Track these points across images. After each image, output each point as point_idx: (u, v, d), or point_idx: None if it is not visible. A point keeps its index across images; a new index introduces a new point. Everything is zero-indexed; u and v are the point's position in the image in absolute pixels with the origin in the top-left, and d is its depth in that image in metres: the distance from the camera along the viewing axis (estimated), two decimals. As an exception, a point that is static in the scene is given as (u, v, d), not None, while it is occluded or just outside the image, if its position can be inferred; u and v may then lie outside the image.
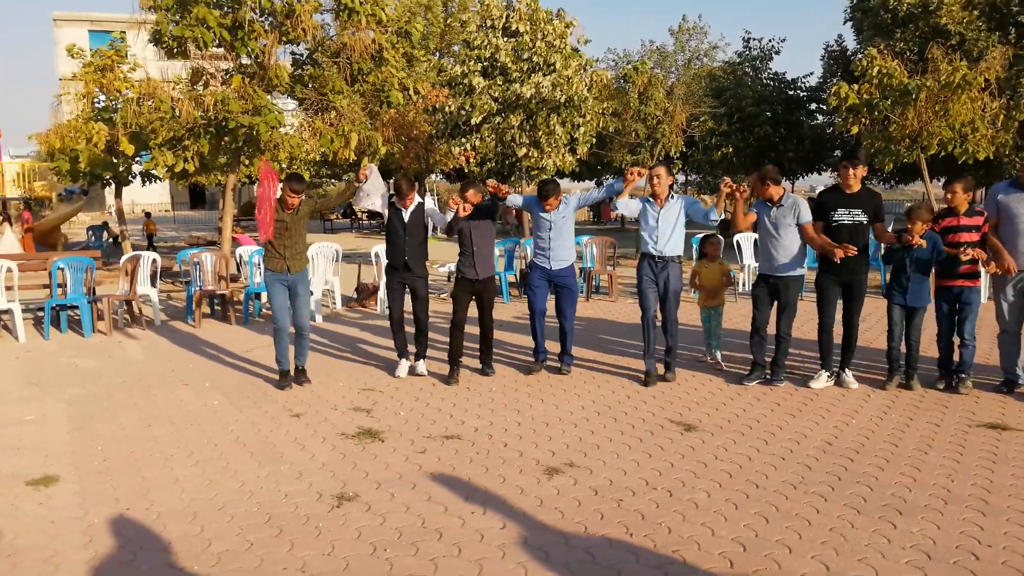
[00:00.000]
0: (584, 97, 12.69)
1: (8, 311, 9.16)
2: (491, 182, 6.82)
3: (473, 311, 6.90)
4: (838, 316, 6.40)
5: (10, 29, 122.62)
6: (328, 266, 10.89)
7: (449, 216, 6.91)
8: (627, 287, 13.04)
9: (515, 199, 6.96)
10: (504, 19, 12.68)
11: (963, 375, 6.15)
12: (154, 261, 10.39)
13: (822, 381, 6.40)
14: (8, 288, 9.24)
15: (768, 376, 6.55)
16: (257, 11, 12.15)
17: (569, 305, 6.96)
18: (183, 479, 4.57)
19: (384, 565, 3.49)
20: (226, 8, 12.05)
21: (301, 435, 5.39)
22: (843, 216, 6.15)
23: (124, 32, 17.23)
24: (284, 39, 12.72)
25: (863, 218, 6.12)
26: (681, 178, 41.39)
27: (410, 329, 7.05)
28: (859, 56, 19.30)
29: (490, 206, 6.89)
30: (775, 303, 6.48)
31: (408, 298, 6.97)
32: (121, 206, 18.35)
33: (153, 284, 10.36)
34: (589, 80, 12.93)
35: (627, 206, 6.78)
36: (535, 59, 12.45)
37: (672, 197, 6.61)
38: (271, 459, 4.91)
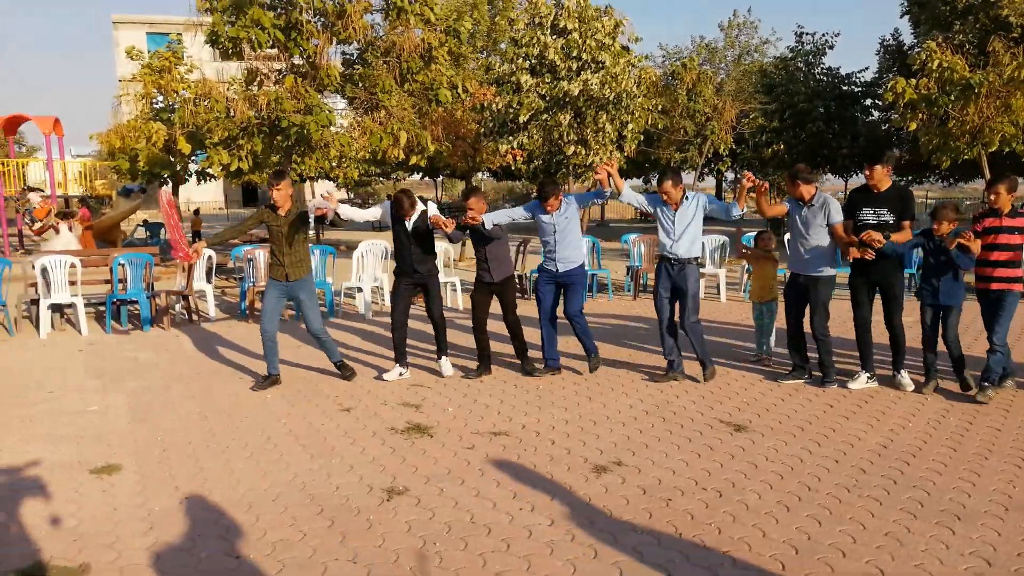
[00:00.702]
0: (633, 94, 12.61)
1: (72, 305, 9.48)
2: (470, 202, 6.81)
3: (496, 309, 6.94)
4: (878, 317, 6.22)
5: (72, 32, 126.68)
6: (378, 264, 11.03)
7: (459, 233, 6.91)
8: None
9: (489, 219, 6.72)
10: (552, 17, 12.67)
11: (985, 383, 5.87)
12: (209, 258, 10.65)
13: (861, 382, 6.28)
14: (72, 283, 9.56)
15: (821, 379, 6.42)
16: (310, 12, 12.36)
17: (575, 303, 6.77)
18: (238, 470, 4.69)
19: (434, 559, 3.53)
20: (280, 10, 12.29)
21: (351, 429, 5.47)
22: (868, 215, 6.04)
23: (180, 34, 17.66)
24: (335, 39, 12.94)
25: (889, 217, 5.98)
26: (730, 176, 40.87)
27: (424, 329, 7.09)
28: (917, 50, 18.79)
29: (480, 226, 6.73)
30: (806, 303, 6.39)
31: (406, 303, 6.90)
32: (178, 204, 18.82)
33: (208, 280, 10.63)
34: (637, 77, 12.85)
35: (634, 198, 6.72)
36: (584, 56, 12.41)
37: (687, 198, 6.49)
38: (322, 452, 5.00)
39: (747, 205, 6.51)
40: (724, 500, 4.12)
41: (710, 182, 39.96)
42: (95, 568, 3.48)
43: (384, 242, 11.27)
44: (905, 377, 6.23)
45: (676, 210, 6.47)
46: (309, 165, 15.02)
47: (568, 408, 5.92)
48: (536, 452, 4.94)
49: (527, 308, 10.46)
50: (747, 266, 7.15)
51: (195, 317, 10.28)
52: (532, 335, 7.40)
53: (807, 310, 6.44)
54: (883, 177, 6.05)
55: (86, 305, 9.67)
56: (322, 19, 12.78)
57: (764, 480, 4.39)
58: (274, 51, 13.09)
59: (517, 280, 12.32)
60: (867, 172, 6.12)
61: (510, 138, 13.52)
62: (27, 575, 3.42)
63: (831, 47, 29.40)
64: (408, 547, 3.65)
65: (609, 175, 6.34)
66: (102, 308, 10.25)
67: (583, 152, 12.64)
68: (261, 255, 10.76)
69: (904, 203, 6.04)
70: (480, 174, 29.59)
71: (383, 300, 11.31)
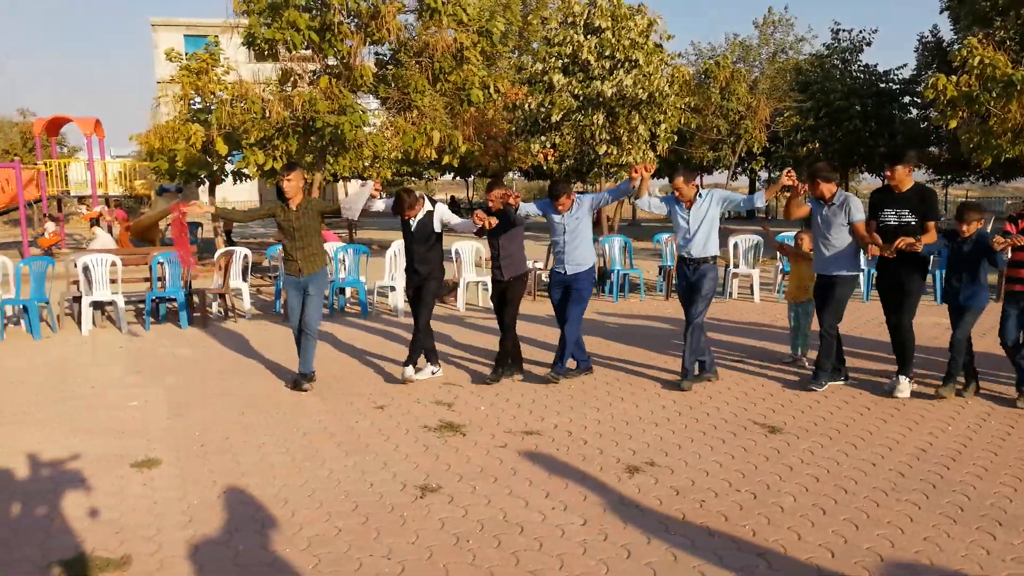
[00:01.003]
0: (666, 93, 12.54)
1: (112, 303, 9.68)
2: (495, 193, 6.58)
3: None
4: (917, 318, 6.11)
5: (111, 35, 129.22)
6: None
7: (474, 229, 6.65)
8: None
9: (529, 207, 6.73)
10: (585, 15, 12.64)
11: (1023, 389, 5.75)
12: (245, 256, 10.81)
13: (907, 390, 6.09)
14: (112, 281, 9.77)
15: (810, 379, 6.35)
16: (344, 13, 12.48)
17: (574, 307, 6.57)
18: (275, 465, 4.76)
19: (467, 556, 3.56)
20: (315, 11, 12.42)
21: (385, 427, 5.52)
22: (889, 216, 5.92)
23: (217, 36, 17.92)
24: (369, 40, 13.05)
25: (911, 219, 5.83)
26: (764, 175, 40.44)
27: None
28: (957, 47, 18.43)
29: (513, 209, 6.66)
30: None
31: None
32: (213, 202, 19.12)
33: (244, 278, 10.79)
34: (670, 76, 12.78)
35: (649, 204, 6.61)
36: (617, 55, 12.37)
37: (700, 195, 6.40)
38: (357, 449, 5.05)
39: (771, 201, 6.42)
40: (759, 502, 4.09)
41: (743, 181, 39.58)
42: (136, 559, 3.55)
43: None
44: (904, 383, 6.01)
45: (689, 208, 6.37)
46: (343, 165, 15.16)
47: (600, 408, 5.91)
48: (568, 452, 4.95)
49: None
50: (781, 266, 7.09)
51: (231, 315, 10.44)
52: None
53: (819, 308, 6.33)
54: (904, 177, 5.90)
55: (126, 303, 9.87)
56: (356, 20, 12.89)
57: (800, 483, 4.35)
58: (308, 52, 13.24)
59: (548, 280, 12.35)
60: (888, 172, 5.97)
61: (542, 137, 13.53)
62: (70, 566, 3.51)
63: (868, 44, 29.00)
64: (442, 544, 3.68)
65: (641, 177, 6.25)
66: (142, 305, 10.45)
67: (615, 151, 12.60)
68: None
69: (926, 204, 5.89)
70: (511, 173, 29.63)
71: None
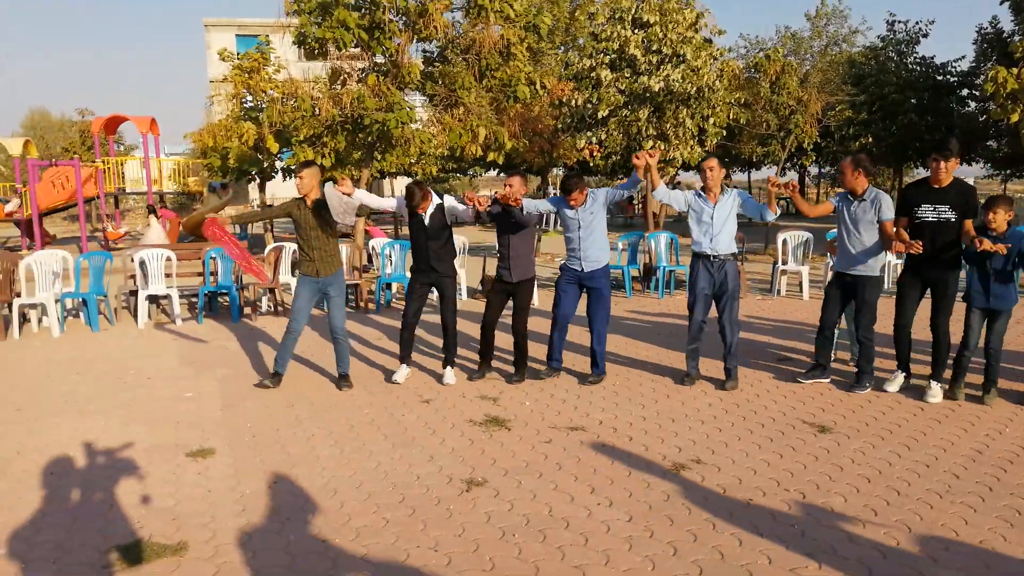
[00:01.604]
0: (715, 88, 12.37)
1: (167, 296, 9.95)
2: (501, 193, 6.33)
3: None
4: (923, 319, 5.96)
5: (166, 36, 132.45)
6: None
7: (471, 210, 6.51)
8: (755, 283, 12.66)
9: (538, 204, 6.57)
10: (633, 10, 12.53)
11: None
12: (294, 252, 10.99)
13: (898, 383, 6.04)
14: (167, 275, 10.04)
15: (853, 383, 6.17)
16: (392, 11, 12.58)
17: (600, 309, 6.49)
18: (323, 457, 4.85)
19: (513, 549, 3.58)
20: (364, 10, 12.55)
21: (431, 420, 5.58)
22: (927, 212, 5.71)
23: (268, 36, 18.25)
24: (417, 37, 13.12)
25: (951, 215, 5.62)
26: (814, 170, 39.66)
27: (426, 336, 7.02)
28: (1018, 38, 17.82)
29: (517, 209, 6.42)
30: (848, 303, 6.17)
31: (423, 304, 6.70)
32: (265, 200, 19.49)
33: (293, 274, 10.97)
34: (719, 70, 12.60)
35: (669, 196, 6.41)
36: (665, 50, 12.24)
37: (726, 191, 6.28)
38: (403, 442, 5.12)
39: (778, 209, 6.23)
40: (808, 502, 4.03)
41: (792, 176, 38.85)
42: (192, 546, 3.66)
43: (462, 237, 11.41)
44: (936, 388, 5.84)
45: (715, 204, 6.24)
46: (390, 161, 15.31)
47: (645, 405, 5.88)
48: (613, 448, 4.94)
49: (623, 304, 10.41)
50: (831, 263, 7.00)
51: (281, 309, 10.63)
52: (625, 340, 7.35)
53: (845, 310, 6.23)
54: (948, 172, 5.68)
55: (180, 296, 10.13)
56: (404, 18, 12.97)
57: (850, 483, 4.27)
58: (357, 50, 13.37)
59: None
60: (937, 165, 5.66)
61: (588, 133, 13.46)
62: (129, 551, 3.63)
63: (925, 36, 28.16)
64: (488, 537, 3.71)
65: (647, 167, 6.12)
66: (195, 299, 10.72)
67: (663, 147, 12.47)
68: (344, 249, 11.04)
69: (967, 200, 5.67)
70: (556, 169, 29.57)
71: (460, 295, 11.43)
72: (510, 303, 6.72)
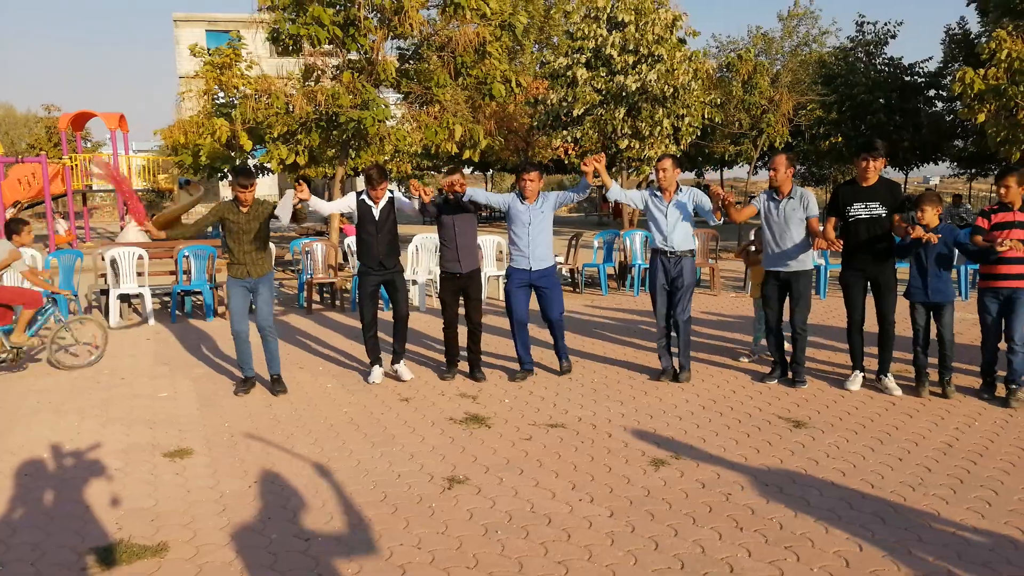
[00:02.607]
0: (691, 88, 12.48)
1: (139, 295, 9.82)
2: (449, 179, 6.37)
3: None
4: (871, 314, 6.10)
5: (133, 31, 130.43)
6: (431, 257, 11.15)
7: (416, 204, 6.54)
8: (728, 280, 12.80)
9: (477, 194, 6.48)
10: (609, 9, 12.61)
11: (1014, 386, 5.68)
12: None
13: (857, 382, 6.17)
14: (139, 274, 9.91)
15: (792, 379, 6.33)
16: (368, 8, 12.52)
17: (555, 308, 6.55)
18: (303, 456, 4.83)
19: (496, 546, 3.60)
20: (338, 6, 12.47)
21: (411, 419, 5.58)
22: (859, 210, 5.93)
23: (239, 31, 18.07)
24: (392, 34, 13.07)
25: (881, 211, 5.87)
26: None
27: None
28: (985, 39, 18.18)
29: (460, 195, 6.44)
30: (786, 299, 6.33)
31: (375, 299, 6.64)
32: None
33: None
34: (693, 70, 12.72)
35: (624, 195, 6.57)
36: (641, 50, 12.33)
37: (680, 191, 6.44)
38: (383, 440, 5.11)
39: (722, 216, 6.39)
40: (785, 495, 4.10)
41: (764, 176, 39.30)
42: (173, 547, 3.63)
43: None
44: (892, 380, 6.04)
45: (669, 202, 6.37)
46: (364, 159, 15.23)
47: (624, 402, 5.93)
48: (593, 444, 4.98)
49: (570, 302, 10.50)
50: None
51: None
52: (605, 339, 7.43)
53: (783, 306, 6.41)
54: (876, 171, 5.94)
55: (152, 295, 10.00)
56: (379, 15, 12.91)
57: (826, 476, 4.35)
58: (331, 47, 13.29)
59: (569, 275, 12.38)
60: (866, 163, 5.88)
61: (563, 132, 13.52)
62: (107, 552, 3.58)
63: (893, 36, 28.61)
64: (471, 534, 3.72)
65: (596, 171, 6.21)
66: (167, 298, 10.59)
67: (637, 145, 12.57)
68: (320, 248, 10.98)
69: (895, 196, 5.93)
70: (531, 168, 29.59)
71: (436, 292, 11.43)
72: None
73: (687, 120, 12.75)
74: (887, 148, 6.02)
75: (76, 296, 9.78)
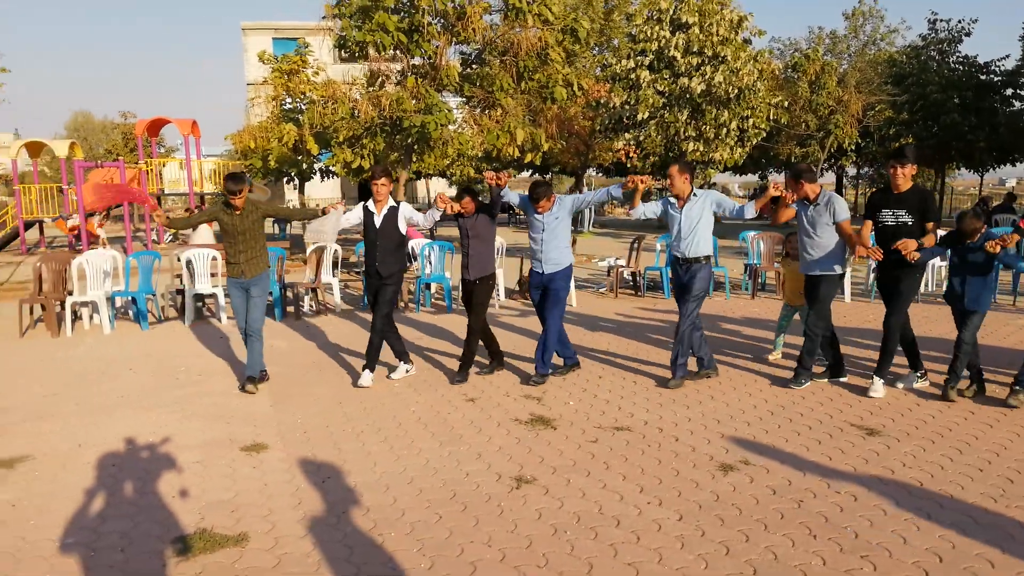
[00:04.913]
0: (756, 89, 12.29)
1: (213, 295, 10.15)
2: (488, 173, 6.57)
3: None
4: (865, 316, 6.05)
5: (204, 40, 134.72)
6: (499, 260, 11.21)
7: (437, 215, 6.73)
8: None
9: (512, 195, 6.77)
10: (672, 11, 12.50)
11: (1016, 388, 5.64)
12: (335, 252, 11.15)
13: (912, 381, 6.20)
14: (213, 274, 10.24)
15: (791, 379, 6.39)
16: (432, 14, 12.70)
17: (553, 308, 6.59)
18: (374, 453, 4.94)
19: (565, 546, 3.62)
20: (403, 13, 12.69)
21: (477, 419, 5.64)
22: (887, 217, 5.90)
23: (305, 39, 18.50)
24: (455, 40, 13.25)
25: (908, 219, 5.79)
26: (852, 171, 39.09)
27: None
28: (1067, 35, 17.40)
29: (490, 205, 6.67)
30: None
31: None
32: (303, 200, 19.75)
33: (333, 273, 11.13)
34: (759, 71, 12.53)
35: (646, 210, 6.63)
36: (706, 52, 12.19)
37: (695, 195, 6.39)
38: (451, 440, 5.19)
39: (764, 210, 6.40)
40: (860, 504, 4.02)
41: (829, 178, 38.38)
42: (252, 537, 3.76)
43: (499, 239, 11.46)
44: (879, 384, 6.01)
45: (682, 208, 6.36)
46: (427, 163, 15.47)
47: (690, 406, 5.89)
48: (660, 448, 4.96)
49: (630, 305, 10.44)
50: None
51: (322, 308, 10.79)
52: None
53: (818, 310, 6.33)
54: (906, 178, 5.85)
55: (225, 295, 10.32)
56: (442, 21, 13.11)
57: (902, 486, 4.25)
58: (395, 53, 13.53)
59: (631, 278, 12.31)
60: (894, 171, 5.84)
61: (626, 135, 13.46)
62: (192, 541, 3.73)
63: (968, 34, 27.66)
64: (540, 534, 3.75)
65: (636, 187, 6.34)
66: (239, 298, 10.91)
67: (702, 148, 12.42)
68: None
69: (925, 204, 5.83)
70: (591, 170, 29.54)
71: (498, 296, 11.49)
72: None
73: (751, 121, 12.54)
74: (915, 154, 5.97)
75: (154, 295, 10.17)
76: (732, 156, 12.48)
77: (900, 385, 6.20)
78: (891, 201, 5.91)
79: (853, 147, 18.55)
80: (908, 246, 5.52)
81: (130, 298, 10.06)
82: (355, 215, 6.74)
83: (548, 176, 42.77)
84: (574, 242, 14.89)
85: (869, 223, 6.07)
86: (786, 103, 14.95)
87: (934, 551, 3.50)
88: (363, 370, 6.68)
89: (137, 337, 9.12)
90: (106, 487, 4.47)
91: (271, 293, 10.33)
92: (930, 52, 27.83)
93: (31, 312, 10.07)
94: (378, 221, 6.51)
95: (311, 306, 10.92)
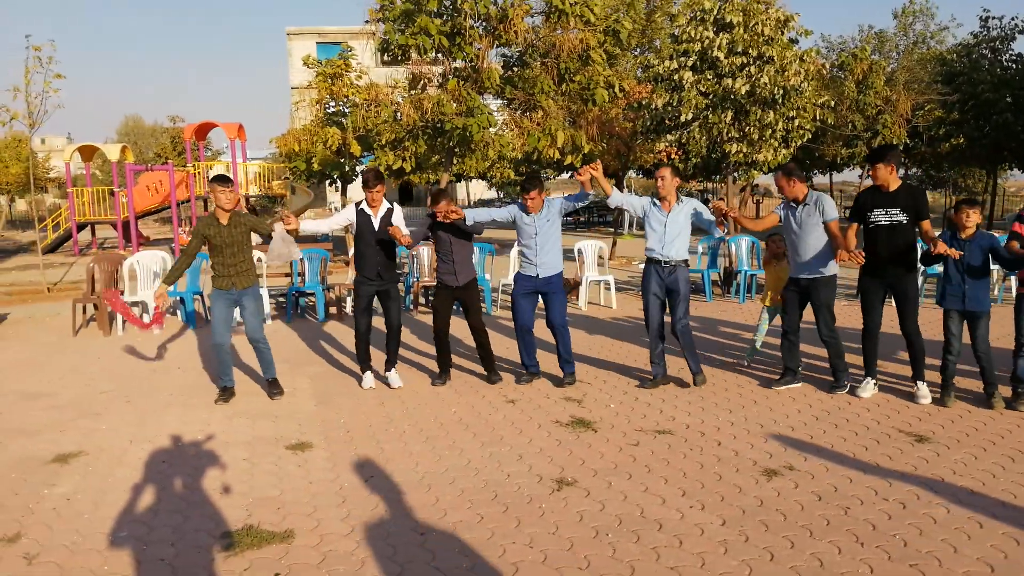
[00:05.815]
0: (802, 89, 12.10)
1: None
2: (440, 207, 6.30)
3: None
4: (892, 321, 5.95)
5: (249, 45, 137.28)
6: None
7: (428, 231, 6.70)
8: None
9: (479, 214, 6.54)
10: (716, 11, 12.38)
11: (1021, 388, 5.51)
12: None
13: (869, 389, 6.06)
14: (258, 276, 10.42)
15: (831, 384, 6.28)
16: (474, 17, 12.76)
17: (558, 313, 6.55)
18: (416, 453, 4.98)
19: (607, 549, 3.62)
20: (445, 16, 12.77)
21: (517, 420, 5.66)
22: (880, 216, 5.77)
23: (348, 43, 18.72)
24: (497, 43, 13.29)
25: (902, 217, 5.68)
26: (901, 172, 38.25)
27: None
28: None
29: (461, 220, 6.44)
30: (806, 306, 6.25)
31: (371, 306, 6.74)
32: (345, 202, 19.99)
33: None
34: (805, 71, 12.33)
35: (625, 201, 6.56)
36: (750, 52, 12.04)
37: (681, 200, 6.35)
38: (492, 441, 5.21)
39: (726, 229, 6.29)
40: (908, 512, 3.94)
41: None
42: (298, 534, 3.83)
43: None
44: (924, 389, 5.88)
45: (668, 212, 6.31)
46: (469, 165, 15.56)
47: (732, 411, 5.83)
48: (703, 452, 4.92)
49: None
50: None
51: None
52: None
53: (803, 313, 6.33)
54: (888, 176, 5.75)
55: (269, 296, 10.50)
56: (484, 24, 13.15)
57: (952, 494, 4.15)
58: (438, 56, 13.62)
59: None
60: (871, 172, 5.81)
61: (669, 136, 13.37)
62: (240, 536, 3.81)
63: (1022, 32, 26.86)
64: (581, 536, 3.75)
65: (593, 178, 6.24)
66: (283, 299, 11.10)
67: (746, 149, 12.27)
68: (426, 252, 11.26)
69: (918, 202, 5.72)
70: (632, 172, 29.39)
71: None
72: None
73: (797, 122, 12.35)
74: (896, 155, 5.91)
75: (202, 295, 10.39)
76: (776, 157, 12.29)
77: (860, 394, 6.06)
78: (881, 200, 5.83)
79: (902, 147, 18.14)
80: (941, 247, 5.47)
81: (179, 298, 10.30)
82: (344, 216, 6.54)
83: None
84: (614, 244, 14.83)
85: (855, 226, 5.98)
86: (832, 103, 14.70)
87: (986, 560, 3.41)
88: (386, 371, 6.79)
89: (185, 336, 9.33)
90: (156, 483, 4.59)
91: (283, 297, 10.48)
92: (982, 50, 27.11)
93: (84, 312, 10.37)
94: (376, 223, 6.43)
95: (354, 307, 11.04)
